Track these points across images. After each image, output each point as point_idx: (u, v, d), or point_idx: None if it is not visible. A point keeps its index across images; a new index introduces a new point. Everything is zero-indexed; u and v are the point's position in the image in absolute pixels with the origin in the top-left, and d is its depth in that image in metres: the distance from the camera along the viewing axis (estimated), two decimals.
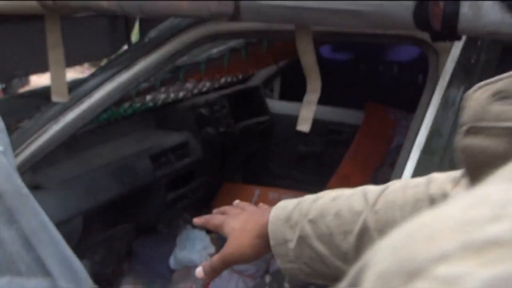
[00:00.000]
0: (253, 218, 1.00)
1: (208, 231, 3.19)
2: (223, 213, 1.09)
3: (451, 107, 1.66)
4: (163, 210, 2.85)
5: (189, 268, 2.97)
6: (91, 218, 2.75)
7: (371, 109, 3.49)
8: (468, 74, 1.72)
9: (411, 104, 3.33)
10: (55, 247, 1.23)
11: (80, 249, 2.60)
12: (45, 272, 1.19)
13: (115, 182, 2.45)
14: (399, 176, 1.55)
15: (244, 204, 1.10)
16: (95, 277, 3.02)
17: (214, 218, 1.10)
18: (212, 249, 3.02)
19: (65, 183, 2.27)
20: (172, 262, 3.01)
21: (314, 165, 3.60)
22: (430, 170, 1.56)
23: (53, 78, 1.97)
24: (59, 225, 2.25)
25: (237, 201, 1.14)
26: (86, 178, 2.35)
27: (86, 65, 5.72)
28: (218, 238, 3.10)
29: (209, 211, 3.14)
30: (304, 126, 1.70)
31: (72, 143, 2.46)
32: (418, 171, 1.53)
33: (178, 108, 2.97)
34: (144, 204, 2.77)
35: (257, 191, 3.48)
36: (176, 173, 2.83)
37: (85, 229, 2.71)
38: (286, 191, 3.41)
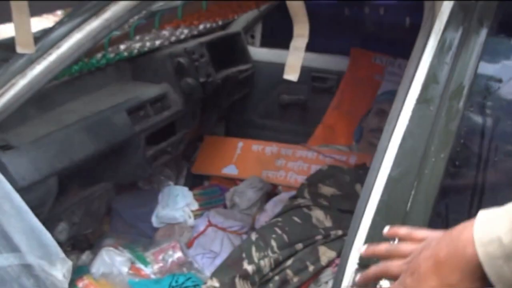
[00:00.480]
0: (444, 251, 0.81)
1: (191, 187, 3.08)
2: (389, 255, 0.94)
3: (448, 52, 1.53)
4: (143, 166, 2.71)
5: (172, 226, 2.87)
6: (67, 178, 2.62)
7: (357, 54, 3.35)
8: (467, 14, 1.59)
9: (398, 49, 3.20)
10: (22, 220, 1.10)
11: (56, 211, 2.48)
12: (12, 247, 1.06)
13: (90, 139, 2.30)
14: (392, 129, 1.44)
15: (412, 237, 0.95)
16: (74, 239, 2.92)
17: (391, 266, 0.94)
18: (195, 205, 2.91)
19: (37, 141, 2.10)
20: (154, 220, 2.90)
21: (298, 114, 3.48)
22: (426, 121, 1.47)
23: (16, 28, 1.78)
24: (32, 186, 2.13)
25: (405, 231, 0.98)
26: (59, 136, 2.19)
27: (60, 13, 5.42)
28: (201, 194, 2.99)
29: (190, 166, 3.02)
30: (291, 74, 1.56)
31: (42, 98, 2.28)
32: (413, 123, 1.41)
33: (155, 57, 2.79)
34: (122, 161, 2.63)
35: (240, 143, 3.36)
36: (155, 127, 2.68)
37: (61, 189, 2.58)
38: (270, 143, 3.29)
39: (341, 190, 2.35)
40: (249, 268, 2.06)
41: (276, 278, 2.02)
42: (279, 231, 2.19)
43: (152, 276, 2.56)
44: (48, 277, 1.47)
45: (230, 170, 3.25)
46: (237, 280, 2.05)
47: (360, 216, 1.45)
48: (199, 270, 2.62)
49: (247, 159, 3.26)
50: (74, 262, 2.63)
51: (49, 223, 2.57)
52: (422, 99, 1.39)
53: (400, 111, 1.41)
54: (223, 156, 3.31)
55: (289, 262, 2.06)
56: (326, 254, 2.06)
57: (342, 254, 1.47)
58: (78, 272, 2.53)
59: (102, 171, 2.67)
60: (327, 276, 2.04)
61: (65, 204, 2.52)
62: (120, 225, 2.91)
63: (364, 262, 1.41)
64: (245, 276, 2.05)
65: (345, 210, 2.30)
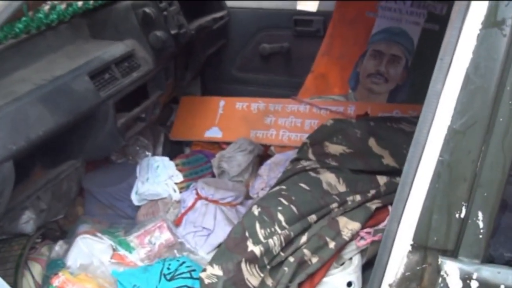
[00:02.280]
0: None
1: (172, 157, 2.72)
2: None
3: None
4: (115, 137, 2.32)
5: (156, 203, 2.51)
6: (27, 159, 2.23)
7: None
8: None
9: None
10: None
11: (18, 200, 2.10)
12: None
13: (49, 111, 1.90)
14: (446, 65, 1.08)
15: None
16: (44, 228, 2.55)
17: None
18: (179, 177, 2.55)
19: None
20: (134, 197, 2.53)
21: (283, 64, 3.10)
22: (497, 50, 1.09)
23: None
24: None
25: None
26: (10, 111, 1.79)
27: None
28: (184, 163, 2.63)
29: (168, 133, 2.65)
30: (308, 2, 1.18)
31: None
32: (479, 54, 1.06)
33: (115, 10, 2.37)
34: (90, 133, 2.24)
35: (221, 102, 2.99)
36: (124, 91, 2.29)
37: (21, 173, 2.20)
38: (255, 99, 2.93)
39: (352, 147, 2.01)
40: (256, 249, 1.73)
41: (291, 259, 1.69)
42: (285, 202, 1.86)
43: (139, 263, 2.21)
44: None
45: (213, 133, 2.89)
46: (243, 265, 1.72)
47: (409, 183, 1.11)
48: (192, 251, 2.28)
49: (231, 119, 2.90)
50: (46, 255, 2.27)
51: (11, 214, 2.22)
52: (491, 22, 1.04)
53: (457, 38, 1.06)
54: (204, 118, 2.94)
55: (304, 238, 1.73)
56: (348, 226, 1.73)
57: (387, 232, 1.14)
58: (52, 267, 2.17)
59: (68, 147, 2.29)
60: (351, 252, 1.72)
61: (28, 190, 2.14)
62: (95, 207, 2.55)
63: (422, 242, 1.09)
64: (252, 259, 1.72)
65: (358, 171, 1.97)
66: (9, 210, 2.03)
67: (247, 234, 1.81)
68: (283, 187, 1.96)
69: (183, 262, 2.11)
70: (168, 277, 2.04)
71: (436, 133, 1.07)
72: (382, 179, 1.89)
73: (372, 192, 1.86)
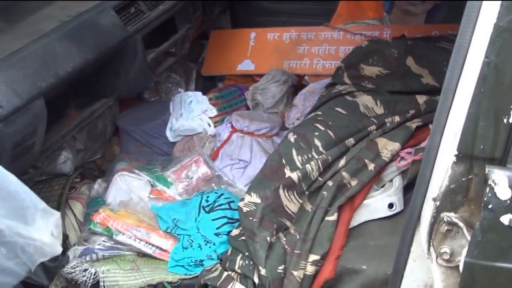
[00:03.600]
0: None
1: (205, 92, 2.68)
2: None
3: None
4: (146, 73, 2.29)
5: (191, 138, 2.49)
6: (60, 101, 2.22)
7: None
8: None
9: None
10: None
11: (53, 140, 2.11)
12: None
13: (75, 48, 1.87)
14: None
15: None
16: (82, 168, 2.57)
17: None
18: (213, 111, 2.52)
19: (10, 58, 1.69)
20: (169, 134, 2.51)
21: None
22: None
23: None
24: (14, 114, 1.73)
25: None
26: (38, 48, 1.77)
27: None
28: (217, 97, 2.58)
29: (200, 69, 2.60)
30: None
31: (9, 8, 1.85)
32: None
33: None
34: (120, 70, 2.22)
35: (252, 34, 2.90)
36: (151, 25, 2.24)
37: (55, 114, 2.20)
38: (287, 28, 2.84)
39: (389, 68, 1.93)
40: (293, 175, 1.69)
41: (330, 183, 1.65)
42: (321, 127, 1.81)
43: (178, 198, 2.21)
44: (29, 242, 1.09)
45: (245, 66, 2.82)
46: (281, 191, 1.69)
47: (452, 90, 1.05)
48: (230, 183, 2.26)
49: (263, 50, 2.82)
50: (86, 194, 2.29)
51: (49, 155, 2.24)
52: None
53: None
54: (235, 51, 2.87)
55: (342, 162, 1.68)
56: (387, 146, 1.67)
57: (429, 144, 1.08)
58: (93, 205, 2.19)
59: (100, 86, 2.28)
60: (391, 173, 1.67)
61: (62, 130, 2.14)
62: (131, 146, 2.54)
63: (468, 152, 1.03)
64: (290, 185, 1.69)
65: (397, 92, 1.90)
66: (45, 150, 2.04)
67: (283, 161, 1.77)
68: (319, 113, 1.90)
69: (222, 194, 2.09)
70: (207, 209, 2.04)
71: (481, 32, 0.98)
72: (421, 99, 1.81)
73: (412, 112, 1.78)
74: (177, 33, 2.46)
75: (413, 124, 1.72)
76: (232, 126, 2.39)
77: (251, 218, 1.68)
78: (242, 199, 1.79)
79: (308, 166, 1.70)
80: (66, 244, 2.11)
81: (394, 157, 1.66)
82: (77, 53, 1.88)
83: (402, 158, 1.65)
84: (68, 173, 2.30)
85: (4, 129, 1.63)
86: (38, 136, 1.80)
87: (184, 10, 2.48)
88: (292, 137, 1.83)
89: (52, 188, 2.25)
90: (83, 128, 2.32)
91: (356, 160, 1.67)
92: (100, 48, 1.99)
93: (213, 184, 2.26)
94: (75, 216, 2.22)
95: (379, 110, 1.84)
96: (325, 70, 2.66)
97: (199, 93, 2.57)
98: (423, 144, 1.65)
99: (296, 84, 2.67)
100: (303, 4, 2.96)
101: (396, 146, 1.67)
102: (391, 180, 1.67)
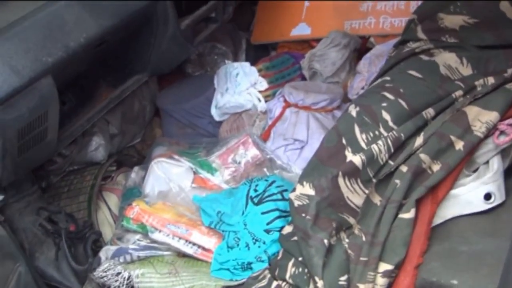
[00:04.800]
0: None
1: (253, 62, 2.33)
2: None
3: None
4: (181, 43, 1.98)
5: (239, 116, 2.16)
6: (89, 81, 1.96)
7: None
8: None
9: None
10: None
11: (80, 124, 1.85)
12: None
13: (89, 14, 1.58)
14: None
15: None
16: (121, 153, 2.29)
17: None
18: (263, 84, 2.17)
19: (6, 31, 1.42)
20: (214, 112, 2.19)
21: None
22: None
23: None
24: (13, 97, 1.46)
25: None
26: (41, 17, 1.48)
27: None
28: (267, 68, 2.23)
29: (250, 37, 2.22)
30: None
31: None
32: None
33: None
34: (150, 41, 1.91)
35: (306, 3, 2.51)
36: None
37: (84, 97, 1.95)
38: None
39: (477, 16, 1.49)
40: (356, 159, 1.33)
41: (404, 169, 1.28)
42: (390, 96, 1.43)
43: (224, 186, 1.90)
44: None
45: (301, 30, 2.45)
46: (341, 180, 1.33)
47: None
48: (285, 167, 1.92)
49: (320, 11, 2.44)
50: (122, 184, 2.02)
51: (75, 142, 1.97)
52: None
53: None
54: (288, 14, 2.50)
55: (419, 140, 1.30)
56: (481, 117, 1.27)
57: None
58: (128, 197, 1.92)
59: (129, 60, 1.98)
60: (487, 153, 1.27)
61: (90, 112, 1.87)
62: (173, 127, 2.25)
63: None
64: (352, 171, 1.33)
65: (488, 47, 1.48)
66: (67, 137, 1.78)
67: (344, 141, 1.41)
68: (387, 78, 1.51)
69: (273, 182, 1.76)
70: (256, 200, 1.71)
71: None
72: None
73: (511, 70, 1.37)
74: None
75: None
76: (285, 100, 2.04)
77: (303, 215, 1.34)
78: (294, 190, 1.45)
79: (375, 147, 1.33)
80: (100, 242, 1.86)
81: (491, 131, 1.26)
82: (91, 21, 1.59)
83: (502, 133, 1.25)
84: (101, 161, 2.04)
85: (3, 114, 1.36)
86: (50, 121, 1.53)
87: None
88: (353, 110, 1.46)
89: (84, 179, 2.00)
90: (115, 109, 2.05)
91: (438, 137, 1.28)
92: (122, 13, 1.68)
93: (264, 169, 1.93)
94: (110, 209, 1.97)
95: (466, 70, 1.43)
96: (394, 29, 2.25)
97: (246, 64, 2.23)
98: None
99: (360, 48, 2.27)
100: None
101: (493, 116, 1.26)
102: (486, 162, 1.27)
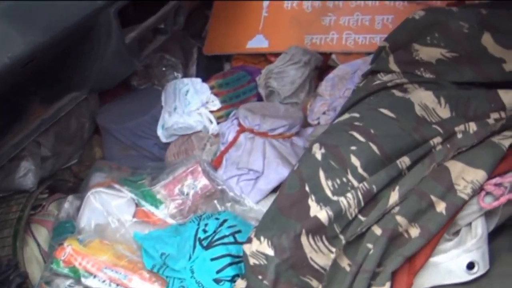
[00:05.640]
0: None
1: (209, 76, 2.14)
2: None
3: None
4: (125, 58, 1.76)
5: (188, 138, 1.96)
6: (18, 97, 1.73)
7: None
8: None
9: None
10: None
11: (3, 149, 1.61)
12: None
13: (16, 30, 1.35)
14: None
15: None
16: (54, 178, 2.05)
17: None
18: (216, 103, 1.98)
19: None
20: (161, 133, 1.99)
21: None
22: None
23: None
24: None
25: None
26: None
27: None
28: (221, 85, 2.04)
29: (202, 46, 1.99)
30: None
31: None
32: None
33: None
34: (91, 55, 1.69)
35: (265, 2, 2.33)
36: None
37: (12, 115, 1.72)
38: None
39: (456, 49, 1.34)
40: (321, 214, 1.16)
41: (377, 231, 1.12)
42: (360, 137, 1.26)
43: (170, 221, 1.71)
44: None
45: (258, 43, 2.27)
46: (303, 238, 1.16)
47: None
48: (237, 200, 1.75)
49: (279, 23, 2.26)
50: (54, 215, 1.79)
51: (5, 167, 1.75)
52: None
53: None
54: (244, 24, 2.31)
55: (394, 196, 1.14)
56: (465, 175, 1.12)
57: None
58: (60, 232, 1.70)
59: (66, 76, 1.75)
60: (471, 214, 1.12)
61: (20, 133, 1.64)
62: (115, 148, 2.03)
63: None
64: (317, 229, 1.16)
65: (467, 84, 1.33)
66: None
67: (307, 188, 1.24)
68: (356, 114, 1.35)
69: (225, 221, 1.58)
70: (205, 243, 1.53)
71: None
72: (507, 95, 1.24)
73: (494, 115, 1.22)
74: (167, 4, 1.91)
75: (505, 141, 1.15)
76: (240, 124, 1.86)
77: (260, 277, 1.16)
78: (249, 241, 1.27)
79: (343, 200, 1.16)
80: (26, 285, 1.63)
81: (476, 191, 1.11)
82: (19, 37, 1.36)
83: (488, 194, 1.10)
84: (30, 189, 1.80)
85: None
86: None
87: None
88: (318, 152, 1.29)
89: (10, 210, 1.76)
90: (48, 129, 1.82)
91: (416, 196, 1.12)
92: (55, 27, 1.46)
93: (215, 201, 1.75)
94: (39, 245, 1.74)
95: (444, 112, 1.27)
96: (358, 47, 2.10)
97: (197, 80, 2.03)
98: None
99: (322, 66, 2.11)
100: None
101: (479, 175, 1.10)
102: (469, 224, 1.12)
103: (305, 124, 1.92)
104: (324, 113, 1.86)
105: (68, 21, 1.49)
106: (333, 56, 2.14)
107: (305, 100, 2.00)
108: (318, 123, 1.87)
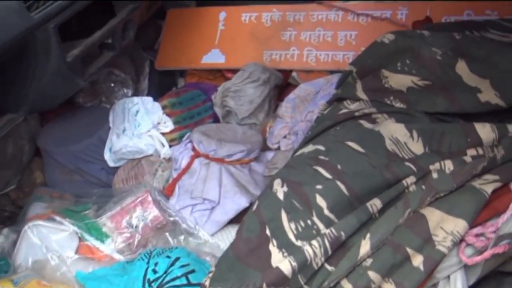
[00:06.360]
0: None
1: (162, 92, 2.00)
2: None
3: None
4: (67, 77, 1.60)
5: (138, 163, 1.81)
6: None
7: None
8: None
9: None
10: None
11: None
12: None
13: None
14: None
15: None
16: None
17: None
18: (169, 124, 1.83)
19: None
20: (108, 157, 1.83)
21: None
22: None
23: None
24: None
25: None
26: None
27: None
28: (173, 104, 1.89)
29: (154, 58, 1.84)
30: None
31: None
32: None
33: None
34: (28, 74, 1.53)
35: (222, 14, 2.20)
36: (71, 8, 1.54)
37: None
38: (268, 7, 2.15)
39: (428, 77, 1.24)
40: (284, 265, 1.04)
41: (347, 286, 1.00)
42: (326, 174, 1.15)
43: (116, 257, 1.56)
44: None
45: (213, 58, 2.14)
46: None
47: None
48: (191, 233, 1.61)
49: (236, 36, 2.14)
50: None
51: None
52: None
53: None
54: (199, 38, 2.18)
55: (365, 247, 1.02)
56: (444, 225, 1.01)
57: None
58: None
59: (1, 97, 1.58)
60: (450, 267, 1.01)
61: None
62: (57, 173, 1.86)
63: None
64: (280, 281, 1.04)
65: (440, 114, 1.23)
66: None
67: (268, 232, 1.12)
68: (321, 147, 1.23)
69: (177, 259, 1.44)
70: (155, 285, 1.38)
71: None
72: (483, 129, 1.15)
73: (471, 152, 1.12)
74: (115, 17, 1.76)
75: (487, 186, 1.05)
76: (194, 148, 1.72)
77: None
78: None
79: (308, 249, 1.04)
80: None
81: (456, 243, 1.00)
82: None
83: (469, 245, 1.00)
84: None
85: None
86: None
87: None
88: (280, 189, 1.16)
89: None
90: None
91: (391, 247, 1.01)
92: None
93: (166, 234, 1.61)
94: None
95: (417, 146, 1.17)
96: (320, 64, 1.99)
97: (148, 99, 1.88)
98: (505, 217, 0.98)
99: (282, 84, 1.99)
100: None
101: (460, 226, 0.99)
102: (447, 277, 1.02)
103: (265, 147, 1.80)
104: (285, 137, 1.74)
105: (4, 36, 1.33)
106: (294, 74, 2.02)
107: (265, 122, 1.88)
108: (278, 148, 1.75)
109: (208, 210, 1.63)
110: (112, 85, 2.06)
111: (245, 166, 1.70)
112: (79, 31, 1.75)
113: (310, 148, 1.26)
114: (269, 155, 1.76)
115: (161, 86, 2.20)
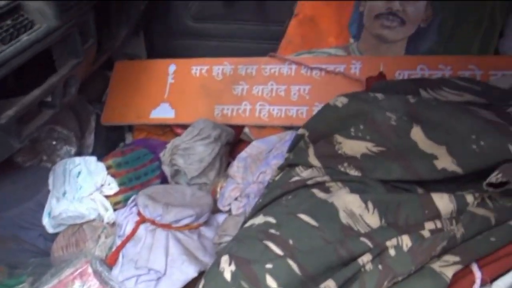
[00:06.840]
0: None
1: (109, 150, 1.90)
2: None
3: None
4: (3, 140, 1.49)
5: (80, 229, 1.69)
6: None
7: None
8: None
9: None
10: None
11: None
12: None
13: None
14: None
15: None
16: None
17: None
18: (113, 186, 1.72)
19: None
20: (47, 222, 1.70)
21: (253, 7, 2.21)
22: None
23: None
24: None
25: None
26: None
27: None
28: (119, 164, 1.79)
29: (101, 111, 1.74)
30: None
31: None
32: None
33: None
34: None
35: (171, 67, 2.13)
36: (8, 66, 1.43)
37: None
38: (219, 59, 2.09)
39: (383, 143, 1.18)
40: None
41: None
42: (277, 251, 1.06)
43: None
44: None
45: (163, 112, 2.05)
46: None
47: None
48: None
49: (186, 90, 2.07)
50: None
51: None
52: None
53: None
54: (147, 92, 2.10)
55: None
56: None
57: None
58: None
59: None
60: None
61: None
62: None
63: None
64: None
65: (399, 181, 1.17)
66: None
67: None
68: (271, 219, 1.14)
69: None
70: None
71: None
72: (442, 201, 1.08)
73: (429, 226, 1.06)
74: (56, 73, 1.66)
75: (447, 269, 0.98)
76: (139, 212, 1.61)
77: None
78: None
79: None
80: None
81: None
82: None
83: None
84: None
85: None
86: None
87: (67, 38, 1.68)
88: (227, 268, 1.07)
89: None
90: None
91: None
92: None
93: None
94: None
95: (372, 219, 1.10)
96: (273, 120, 1.93)
97: (91, 159, 1.77)
98: None
99: (233, 141, 1.91)
100: (240, 24, 2.21)
101: None
102: None
103: (215, 209, 1.70)
104: (236, 198, 1.65)
105: None
106: (246, 130, 1.95)
107: (216, 181, 1.79)
108: (229, 210, 1.66)
109: (154, 281, 1.51)
110: (54, 142, 1.94)
111: (194, 231, 1.59)
112: (16, 88, 1.64)
113: (260, 219, 1.17)
114: (220, 218, 1.66)
115: (108, 141, 2.09)
